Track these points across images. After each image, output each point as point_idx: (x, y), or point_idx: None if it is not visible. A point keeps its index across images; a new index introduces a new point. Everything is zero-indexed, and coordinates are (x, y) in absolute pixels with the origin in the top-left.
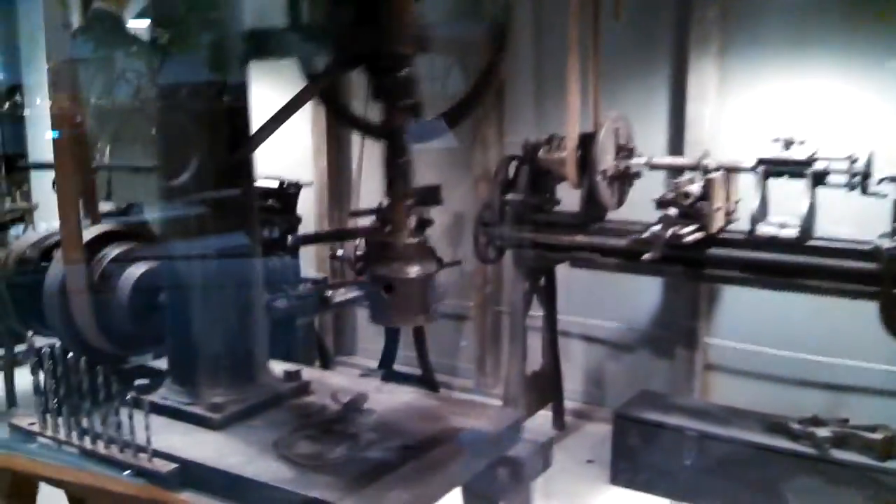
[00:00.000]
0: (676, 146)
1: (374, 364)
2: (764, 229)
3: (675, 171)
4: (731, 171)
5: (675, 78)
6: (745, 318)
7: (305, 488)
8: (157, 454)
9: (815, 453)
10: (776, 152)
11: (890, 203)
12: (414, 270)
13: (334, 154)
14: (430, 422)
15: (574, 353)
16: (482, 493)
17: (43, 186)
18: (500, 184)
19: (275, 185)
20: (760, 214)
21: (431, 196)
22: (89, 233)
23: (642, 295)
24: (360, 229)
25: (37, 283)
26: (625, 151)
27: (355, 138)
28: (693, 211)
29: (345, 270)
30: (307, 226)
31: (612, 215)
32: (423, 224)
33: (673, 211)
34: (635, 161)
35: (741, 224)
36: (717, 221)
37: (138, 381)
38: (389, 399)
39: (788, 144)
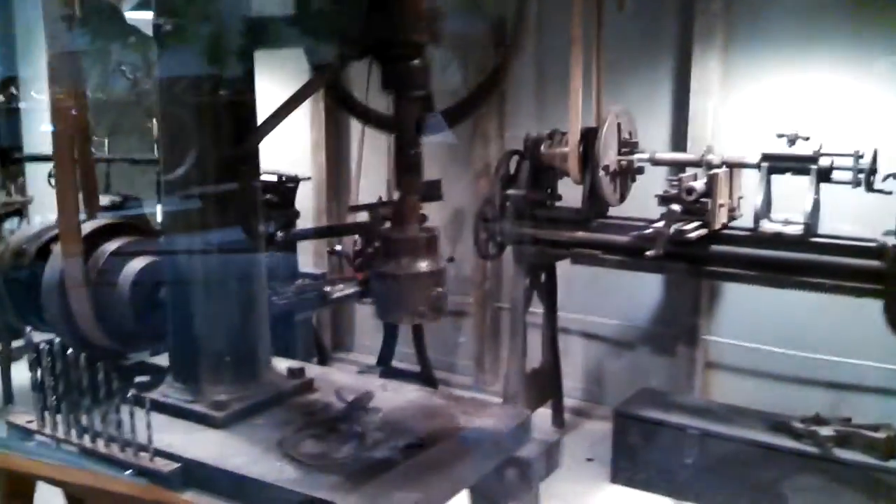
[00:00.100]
0: (679, 141)
1: (372, 361)
2: (768, 226)
3: (678, 166)
4: (734, 166)
5: (678, 72)
6: (746, 315)
7: (311, 489)
8: (158, 453)
9: (817, 452)
10: (780, 148)
11: (895, 200)
12: (423, 265)
13: (333, 148)
14: (437, 421)
15: (573, 351)
16: (490, 494)
17: (38, 180)
18: (500, 179)
19: (273, 179)
20: (764, 211)
21: (431, 191)
22: (88, 226)
23: (642, 292)
24: (359, 224)
25: (34, 278)
26: (627, 146)
27: (354, 132)
28: (696, 207)
29: (343, 265)
30: (305, 220)
31: (614, 211)
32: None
33: (676, 207)
34: (638, 156)
35: (744, 221)
36: (721, 218)
37: (138, 378)
38: (394, 397)
39: (793, 140)
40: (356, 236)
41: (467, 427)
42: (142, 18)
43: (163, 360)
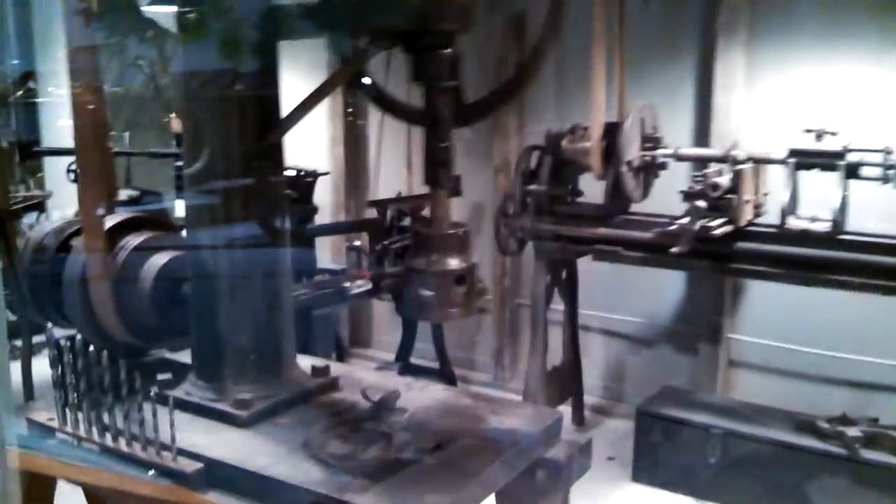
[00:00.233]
0: (702, 136)
1: (390, 357)
2: (795, 223)
3: (702, 162)
4: (760, 162)
5: (701, 65)
6: (769, 313)
7: (339, 492)
8: (181, 453)
9: (844, 453)
10: (807, 143)
11: None
12: (455, 263)
13: (351, 143)
14: (466, 421)
15: (594, 348)
16: (518, 497)
17: (56, 174)
18: (521, 174)
19: (291, 174)
20: (791, 207)
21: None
22: (109, 221)
23: (664, 289)
24: (366, 221)
25: (55, 273)
26: (651, 142)
27: (373, 127)
28: (721, 203)
29: (361, 261)
30: (324, 216)
31: (636, 208)
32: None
33: (701, 203)
34: (662, 152)
35: (769, 217)
36: (746, 214)
37: (161, 376)
38: (421, 396)
39: (820, 136)
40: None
41: (497, 428)
42: (159, 12)
43: (184, 356)
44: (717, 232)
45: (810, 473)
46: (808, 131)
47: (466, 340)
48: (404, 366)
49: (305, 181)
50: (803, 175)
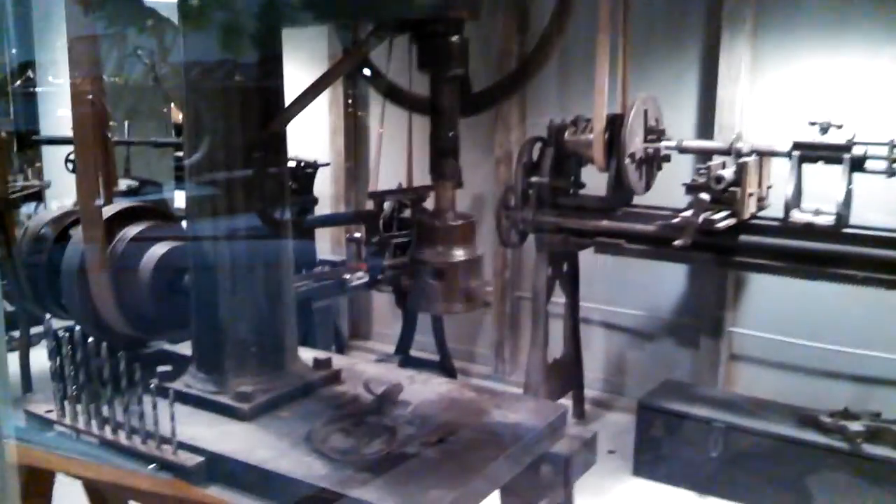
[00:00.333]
0: (705, 129)
1: (389, 349)
2: (798, 216)
3: (706, 154)
4: (764, 155)
5: (705, 57)
6: (771, 307)
7: (342, 486)
8: (181, 446)
9: (846, 448)
10: (811, 136)
11: None
12: (461, 254)
13: (352, 134)
14: (470, 415)
15: (595, 341)
16: (522, 492)
17: (55, 164)
18: (523, 166)
19: (292, 164)
20: (794, 201)
21: None
22: (108, 210)
23: (666, 282)
24: (362, 213)
25: (54, 263)
26: (654, 134)
27: (374, 117)
28: (725, 196)
29: (361, 253)
30: (324, 207)
31: (638, 200)
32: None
33: (704, 196)
34: (665, 144)
35: (773, 210)
36: (750, 207)
37: (160, 368)
38: (424, 390)
39: (825, 128)
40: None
41: (501, 422)
42: (160, 1)
43: (185, 348)
44: (721, 225)
45: (812, 468)
46: (813, 124)
47: (466, 333)
48: (404, 358)
49: (306, 172)
50: (807, 168)
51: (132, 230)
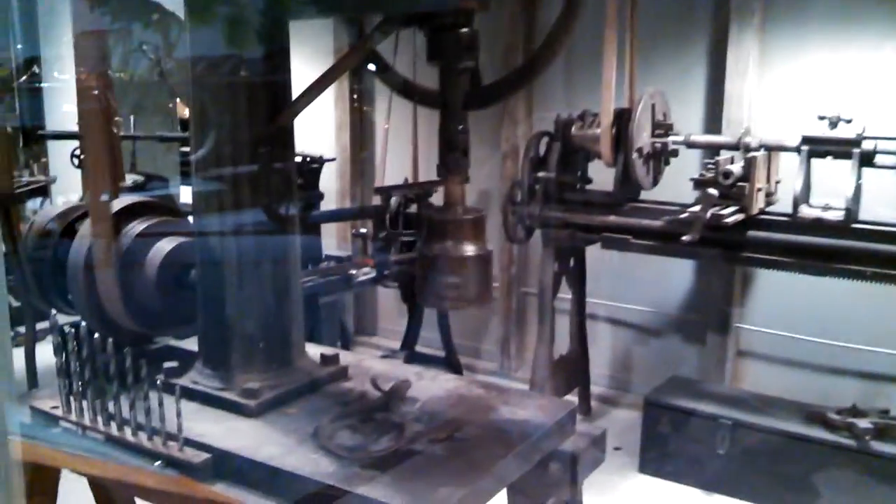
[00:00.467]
0: (713, 123)
1: (395, 345)
2: (807, 211)
3: (714, 149)
4: (773, 150)
5: (713, 51)
6: (779, 303)
7: (349, 483)
8: (188, 443)
9: (854, 445)
10: (820, 130)
11: None
12: (471, 249)
13: (358, 128)
14: (478, 412)
15: (601, 338)
16: (530, 490)
17: (61, 160)
18: (530, 161)
19: (297, 160)
20: (803, 196)
21: None
22: (115, 205)
23: (673, 278)
24: (369, 208)
25: (59, 258)
26: (661, 129)
27: (380, 112)
28: (733, 191)
29: (367, 248)
30: (329, 202)
31: (644, 195)
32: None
33: (713, 191)
34: (673, 139)
35: (781, 206)
36: (758, 203)
37: (167, 364)
38: (432, 386)
39: (835, 123)
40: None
41: (510, 419)
42: None
43: (191, 344)
44: (729, 220)
45: (820, 465)
46: (822, 118)
47: (472, 329)
48: (410, 354)
49: (311, 167)
50: (816, 163)
51: (138, 226)
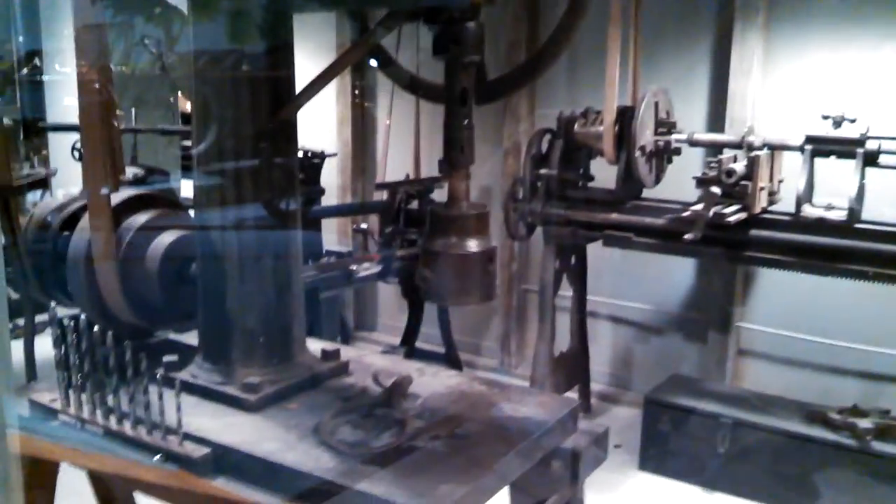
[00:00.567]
0: (716, 122)
1: (395, 341)
2: (810, 211)
3: (716, 148)
4: (776, 149)
5: (717, 49)
6: (780, 302)
7: (350, 479)
8: (187, 437)
9: (855, 445)
10: (824, 130)
11: None
12: (475, 245)
13: (359, 124)
14: (480, 409)
15: (601, 335)
16: (532, 487)
17: (62, 152)
18: (532, 158)
19: (299, 154)
20: (806, 195)
21: None
22: (115, 198)
23: (674, 277)
24: (377, 204)
25: (59, 251)
26: (665, 127)
27: (382, 107)
28: (736, 190)
29: (368, 243)
30: (330, 198)
31: (646, 193)
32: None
33: (715, 189)
34: (676, 137)
35: (784, 205)
36: (761, 202)
37: (167, 358)
38: (433, 382)
39: (839, 122)
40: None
41: (512, 416)
42: None
43: (191, 338)
44: (731, 219)
45: (820, 465)
46: (826, 117)
47: (473, 325)
48: (410, 350)
49: (312, 162)
50: (820, 162)
51: (139, 219)
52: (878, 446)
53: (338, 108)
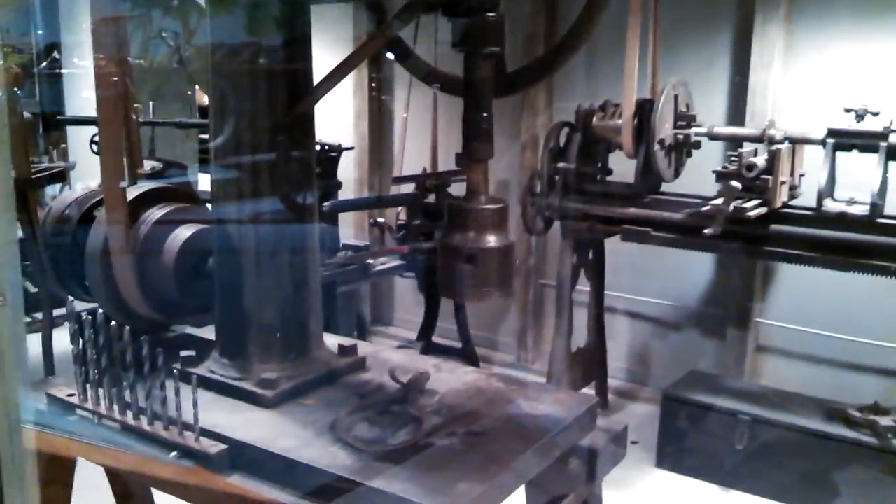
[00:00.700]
0: (736, 115)
1: (411, 335)
2: (832, 205)
3: (737, 141)
4: (798, 142)
5: (738, 41)
6: (800, 298)
7: (367, 478)
8: (204, 433)
9: (875, 443)
10: (846, 123)
11: None
12: (493, 240)
13: (376, 117)
14: (497, 406)
15: (619, 331)
16: (549, 486)
17: (80, 146)
18: (550, 152)
19: (316, 148)
20: (828, 189)
21: None
22: (133, 192)
23: (692, 272)
24: (405, 196)
25: (77, 245)
26: (684, 120)
27: (399, 101)
28: (756, 184)
29: (385, 237)
30: (347, 191)
31: (665, 187)
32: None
33: (736, 184)
34: (696, 130)
35: (805, 199)
36: (781, 196)
37: (183, 353)
38: (451, 379)
39: (861, 115)
40: (399, 208)
41: (530, 414)
42: None
43: (208, 332)
44: (752, 213)
45: (839, 463)
46: (848, 111)
47: (490, 320)
48: (426, 345)
49: (329, 156)
50: (842, 156)
51: (157, 212)
52: None
53: (355, 102)
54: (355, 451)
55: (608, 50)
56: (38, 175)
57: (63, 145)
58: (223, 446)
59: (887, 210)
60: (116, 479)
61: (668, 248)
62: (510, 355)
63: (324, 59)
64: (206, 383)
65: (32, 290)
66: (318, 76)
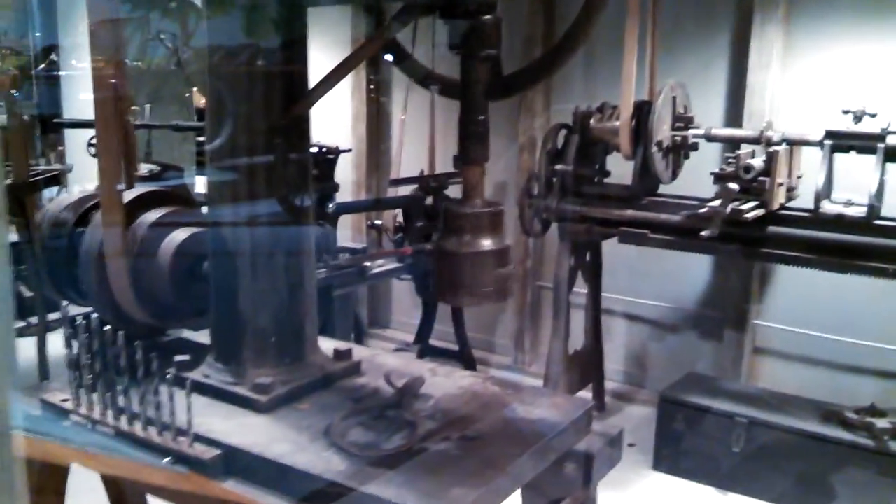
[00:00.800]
0: (734, 117)
1: (409, 338)
2: (829, 207)
3: (735, 143)
4: (795, 144)
5: (736, 43)
6: (797, 300)
7: (361, 483)
8: (198, 438)
9: (872, 445)
10: (844, 125)
11: None
12: (488, 243)
13: (374, 120)
14: (493, 410)
15: (616, 333)
16: (545, 490)
17: (78, 149)
18: (547, 153)
19: (313, 150)
20: (825, 191)
21: None
22: (128, 195)
23: (690, 274)
24: (405, 198)
25: (73, 248)
26: (682, 121)
27: (396, 103)
28: (754, 186)
29: (382, 240)
30: (345, 194)
31: (663, 189)
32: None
33: (733, 185)
34: (694, 132)
35: (802, 201)
36: (779, 198)
37: (178, 357)
38: (446, 383)
39: (859, 117)
40: (396, 210)
41: (526, 418)
42: None
43: (203, 336)
44: (749, 215)
45: (837, 465)
46: (846, 112)
47: (487, 323)
48: (423, 348)
49: (327, 158)
50: (839, 158)
51: (152, 215)
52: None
53: (352, 104)
54: (349, 456)
55: (606, 52)
56: (35, 178)
57: (60, 148)
58: (217, 451)
59: (884, 212)
60: (112, 484)
61: (666, 250)
62: (507, 358)
63: (322, 61)
64: (201, 388)
65: (27, 294)
66: (316, 78)
